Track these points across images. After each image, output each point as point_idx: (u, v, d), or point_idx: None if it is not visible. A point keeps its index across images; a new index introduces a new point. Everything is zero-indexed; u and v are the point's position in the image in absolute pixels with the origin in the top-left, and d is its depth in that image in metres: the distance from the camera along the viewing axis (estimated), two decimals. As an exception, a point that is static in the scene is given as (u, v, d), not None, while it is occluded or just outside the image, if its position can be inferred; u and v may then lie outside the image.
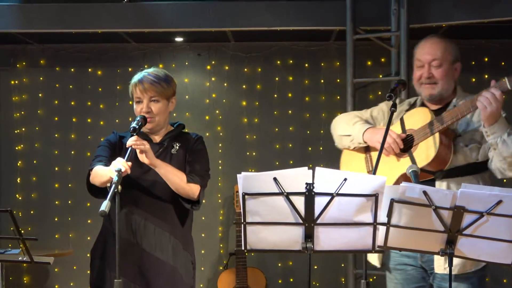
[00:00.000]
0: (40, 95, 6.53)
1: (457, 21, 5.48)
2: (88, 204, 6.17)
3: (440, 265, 3.24)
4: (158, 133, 3.51)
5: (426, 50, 3.36)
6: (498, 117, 3.09)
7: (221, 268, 6.27)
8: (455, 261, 3.14)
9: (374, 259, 3.44)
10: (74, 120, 6.50)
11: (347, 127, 3.57)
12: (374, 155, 3.43)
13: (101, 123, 6.47)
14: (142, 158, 3.24)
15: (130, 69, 6.21)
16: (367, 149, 3.53)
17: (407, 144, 3.34)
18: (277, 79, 6.47)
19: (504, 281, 5.86)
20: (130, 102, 3.50)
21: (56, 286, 6.46)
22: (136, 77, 3.46)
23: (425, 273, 3.34)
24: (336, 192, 2.53)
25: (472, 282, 3.26)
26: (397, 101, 3.54)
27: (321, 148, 6.40)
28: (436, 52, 3.32)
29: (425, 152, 3.23)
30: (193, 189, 3.37)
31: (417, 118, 3.34)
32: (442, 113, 3.25)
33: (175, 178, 3.33)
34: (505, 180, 3.31)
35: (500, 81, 3.05)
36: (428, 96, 3.37)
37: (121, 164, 3.07)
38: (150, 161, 3.25)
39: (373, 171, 3.00)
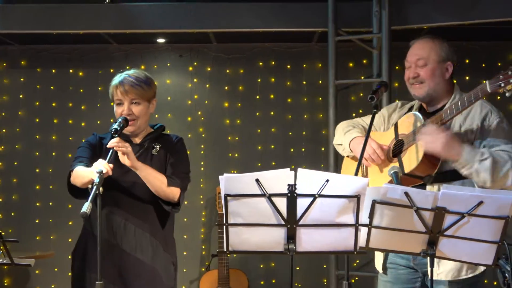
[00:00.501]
0: (21, 96, 6.48)
1: (437, 23, 5.52)
2: (70, 206, 6.13)
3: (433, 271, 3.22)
4: (139, 135, 3.49)
5: (413, 51, 3.36)
6: (451, 147, 3.04)
7: (203, 269, 6.25)
8: (449, 266, 3.16)
9: (378, 265, 3.44)
10: (55, 121, 6.46)
11: (340, 136, 3.57)
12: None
13: (83, 124, 6.42)
14: (124, 160, 3.22)
15: (111, 70, 6.15)
16: None
17: (398, 149, 3.32)
18: (259, 80, 6.47)
19: (485, 281, 5.88)
20: (112, 103, 3.48)
21: (37, 288, 6.44)
22: (116, 79, 3.43)
23: (416, 274, 3.32)
24: (318, 193, 2.53)
25: None
26: (399, 104, 3.57)
27: (303, 150, 6.41)
28: (421, 52, 3.31)
29: (413, 157, 3.20)
30: (174, 192, 3.36)
31: (409, 123, 3.33)
32: (427, 119, 3.22)
33: (156, 181, 3.31)
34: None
35: (481, 84, 2.99)
36: (416, 96, 3.36)
37: (102, 165, 3.05)
38: (131, 163, 3.23)
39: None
